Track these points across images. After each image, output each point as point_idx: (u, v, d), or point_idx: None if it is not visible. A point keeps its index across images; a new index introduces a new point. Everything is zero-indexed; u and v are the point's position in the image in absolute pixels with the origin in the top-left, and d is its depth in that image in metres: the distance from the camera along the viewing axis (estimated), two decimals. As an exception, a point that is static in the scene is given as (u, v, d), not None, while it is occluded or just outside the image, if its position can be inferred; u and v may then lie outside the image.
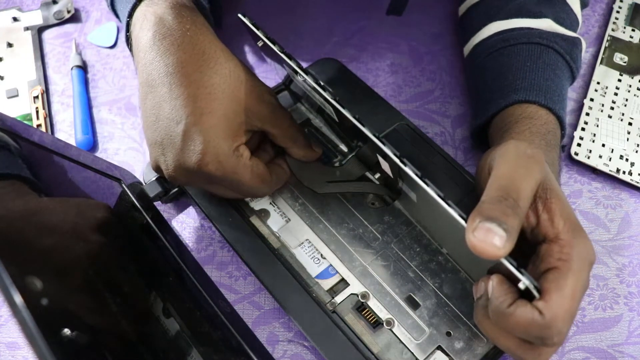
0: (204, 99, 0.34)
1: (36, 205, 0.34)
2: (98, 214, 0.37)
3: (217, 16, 0.51)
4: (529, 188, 0.30)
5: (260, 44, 0.38)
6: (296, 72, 0.36)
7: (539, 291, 0.29)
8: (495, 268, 0.32)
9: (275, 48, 0.36)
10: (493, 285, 0.31)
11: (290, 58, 0.36)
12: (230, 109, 0.35)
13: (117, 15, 0.44)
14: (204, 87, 0.34)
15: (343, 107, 0.34)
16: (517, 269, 0.29)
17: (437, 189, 0.32)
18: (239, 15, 0.37)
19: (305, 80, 0.36)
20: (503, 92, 0.42)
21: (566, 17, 0.46)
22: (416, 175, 0.32)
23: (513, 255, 0.29)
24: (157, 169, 0.37)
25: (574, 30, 0.46)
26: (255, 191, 0.38)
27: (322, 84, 0.35)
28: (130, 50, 0.40)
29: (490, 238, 0.28)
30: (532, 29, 0.45)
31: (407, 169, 0.33)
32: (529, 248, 0.32)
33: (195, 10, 0.38)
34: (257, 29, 0.37)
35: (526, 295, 0.30)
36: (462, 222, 0.30)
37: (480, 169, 0.35)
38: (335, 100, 0.34)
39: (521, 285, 0.29)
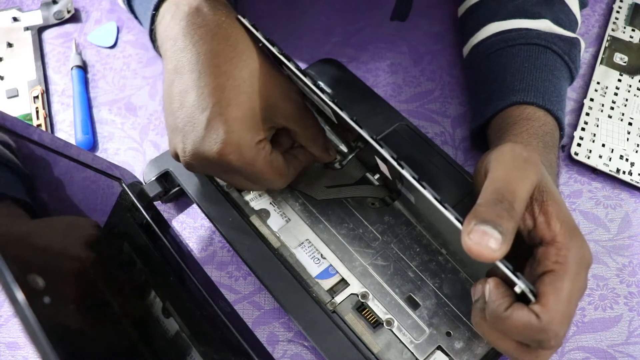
0: (232, 90, 0.34)
1: (26, 228, 0.34)
2: (87, 232, 0.37)
3: None
4: (524, 190, 0.30)
5: (259, 45, 0.38)
6: (295, 74, 0.36)
7: (534, 295, 0.29)
8: (492, 271, 0.32)
9: (274, 50, 0.36)
10: (490, 288, 0.30)
11: (288, 60, 0.35)
12: (257, 104, 0.35)
13: (132, 11, 0.44)
14: (234, 79, 0.34)
15: (341, 110, 0.34)
16: (513, 272, 0.29)
17: (434, 191, 0.31)
18: (238, 16, 0.37)
19: (303, 82, 0.36)
20: (501, 93, 0.42)
21: (565, 18, 0.46)
22: (413, 178, 0.32)
23: (510, 258, 0.29)
24: (175, 155, 0.37)
25: (573, 31, 0.46)
26: (271, 184, 0.38)
27: (320, 86, 0.35)
28: (154, 43, 0.40)
29: (486, 241, 0.28)
30: (531, 29, 0.45)
31: (404, 172, 0.32)
32: (526, 251, 0.32)
33: (227, 4, 0.38)
34: (256, 31, 0.37)
35: (523, 299, 0.30)
36: (459, 225, 0.30)
37: (477, 171, 0.35)
38: (333, 102, 0.34)
39: (517, 289, 0.29)
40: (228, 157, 0.34)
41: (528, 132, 0.39)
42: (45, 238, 0.34)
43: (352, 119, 0.34)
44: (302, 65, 0.52)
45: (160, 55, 0.39)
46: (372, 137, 0.34)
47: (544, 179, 0.32)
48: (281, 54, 0.36)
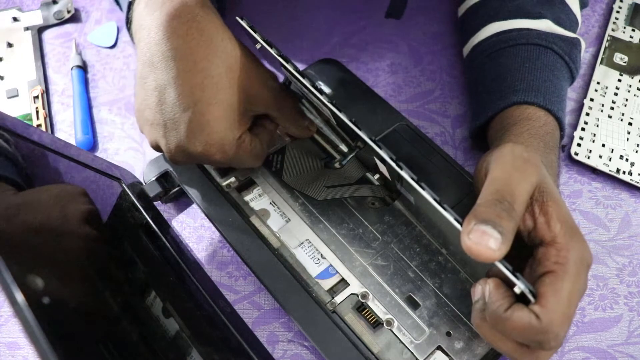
0: (211, 88, 0.34)
1: (15, 202, 0.33)
2: (78, 200, 0.38)
3: (221, 7, 0.51)
4: (524, 191, 0.30)
5: (258, 46, 0.38)
6: (294, 76, 0.36)
7: (534, 295, 0.29)
8: (492, 271, 0.32)
9: (272, 51, 0.36)
10: (490, 289, 0.30)
11: (287, 61, 0.35)
12: (236, 99, 0.36)
13: (117, 2, 0.44)
14: (211, 77, 0.34)
15: (340, 111, 0.34)
16: (513, 273, 0.29)
17: (433, 192, 0.31)
18: (237, 18, 0.37)
19: (302, 84, 0.36)
20: (502, 93, 0.42)
21: (565, 18, 0.46)
22: (412, 179, 0.32)
23: (510, 258, 0.29)
24: (156, 147, 0.38)
25: (574, 31, 0.46)
26: (249, 165, 0.40)
27: (318, 87, 0.35)
28: (129, 31, 0.40)
29: (486, 240, 0.28)
30: (531, 29, 0.45)
31: (403, 173, 0.32)
32: (526, 251, 0.32)
33: None
34: (255, 32, 0.37)
35: (523, 299, 0.30)
36: (458, 225, 0.30)
37: (477, 172, 0.35)
38: (331, 103, 0.34)
39: (516, 290, 0.29)
40: (213, 156, 0.36)
41: (529, 133, 0.39)
42: (35, 208, 0.34)
43: (350, 120, 0.34)
44: (302, 66, 0.52)
45: (134, 42, 0.38)
46: (371, 138, 0.34)
47: (544, 180, 0.32)
48: (280, 56, 0.36)
